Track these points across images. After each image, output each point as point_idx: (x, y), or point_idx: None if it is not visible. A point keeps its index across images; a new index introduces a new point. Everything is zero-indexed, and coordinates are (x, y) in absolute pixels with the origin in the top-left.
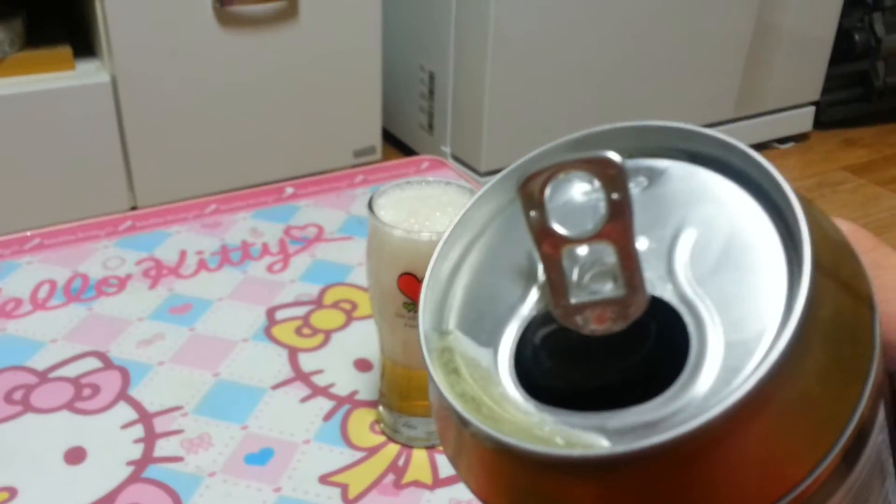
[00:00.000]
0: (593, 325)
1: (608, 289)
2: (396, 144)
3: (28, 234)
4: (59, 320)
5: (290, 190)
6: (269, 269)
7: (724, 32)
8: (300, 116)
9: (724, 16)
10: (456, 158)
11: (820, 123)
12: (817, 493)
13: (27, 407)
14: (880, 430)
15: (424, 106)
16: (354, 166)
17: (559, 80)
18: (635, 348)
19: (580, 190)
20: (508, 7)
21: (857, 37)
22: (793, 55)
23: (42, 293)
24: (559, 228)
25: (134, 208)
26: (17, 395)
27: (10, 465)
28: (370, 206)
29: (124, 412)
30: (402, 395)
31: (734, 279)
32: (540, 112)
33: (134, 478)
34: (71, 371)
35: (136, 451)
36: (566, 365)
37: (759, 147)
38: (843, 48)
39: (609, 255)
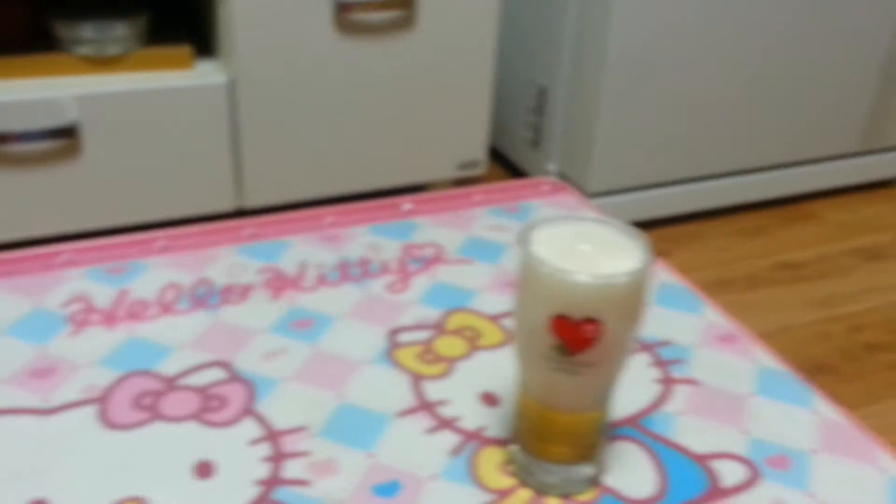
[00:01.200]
0: None
1: None
2: (498, 158)
3: (153, 234)
4: (185, 326)
5: (407, 206)
6: (390, 288)
7: (854, 62)
8: (408, 126)
9: (853, 45)
10: (562, 177)
11: None
12: None
13: (155, 414)
14: None
15: (531, 121)
16: (458, 179)
17: (675, 103)
18: None
19: None
20: (629, 26)
21: None
22: None
23: (168, 297)
24: None
25: (240, 210)
26: (146, 401)
27: (139, 472)
28: (523, 239)
29: (251, 428)
30: (541, 437)
31: None
32: (653, 136)
33: (263, 498)
34: (198, 380)
35: (265, 471)
36: None
37: (882, 185)
38: None
39: None
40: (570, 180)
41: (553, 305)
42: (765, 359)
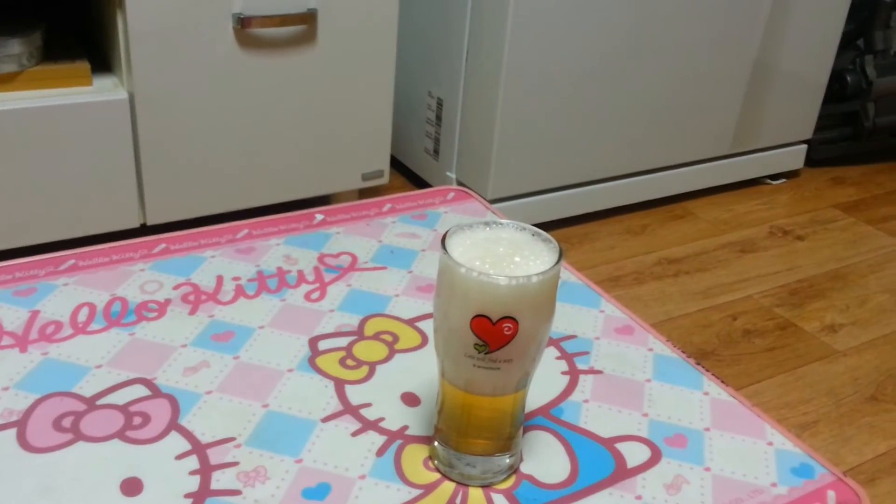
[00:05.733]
0: None
1: None
2: (399, 168)
3: (62, 254)
4: (101, 345)
5: (319, 217)
6: (307, 297)
7: (725, 71)
8: (312, 139)
9: (724, 55)
10: (462, 184)
11: (810, 161)
12: None
13: (77, 435)
14: None
15: (431, 132)
16: (362, 190)
17: (566, 112)
18: None
19: None
20: (522, 37)
21: (848, 78)
22: (788, 95)
23: (82, 316)
24: None
25: (144, 225)
26: (67, 423)
27: (65, 495)
28: (443, 244)
29: (177, 442)
30: (461, 432)
31: None
32: (546, 143)
33: None
34: (119, 398)
35: (193, 484)
36: None
37: (752, 183)
38: (835, 89)
39: None
40: (469, 187)
41: (474, 307)
42: (658, 346)
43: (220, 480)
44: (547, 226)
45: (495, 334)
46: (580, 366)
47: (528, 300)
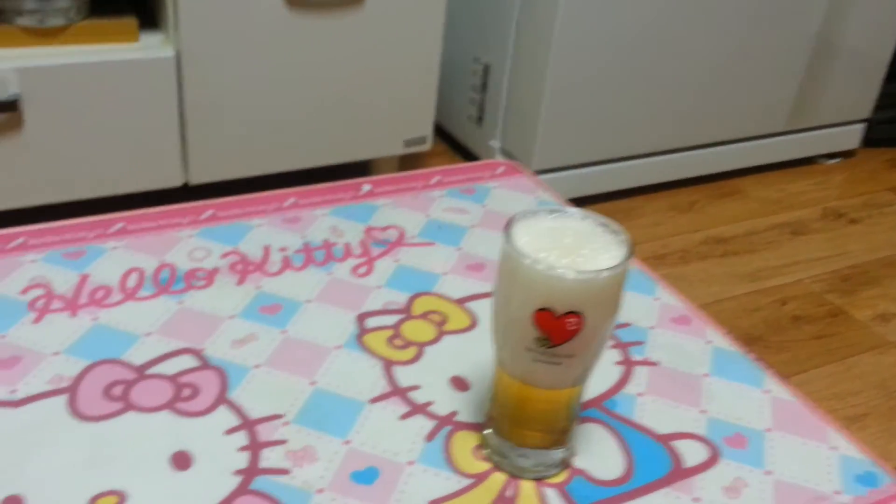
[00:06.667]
0: None
1: None
2: (441, 135)
3: (110, 217)
4: (151, 312)
5: (366, 187)
6: (354, 271)
7: (784, 44)
8: (355, 103)
9: (784, 27)
10: (505, 153)
11: (867, 141)
12: None
13: (127, 405)
14: None
15: (475, 99)
16: (403, 156)
17: (616, 82)
18: None
19: None
20: (575, 2)
21: None
22: (849, 71)
23: (131, 282)
24: None
25: (186, 185)
26: (117, 391)
27: (116, 466)
28: (507, 233)
29: (226, 417)
30: (515, 422)
31: None
32: (593, 114)
33: (242, 489)
34: (168, 368)
35: (242, 460)
36: None
37: (805, 162)
38: None
39: None
40: (512, 157)
41: (538, 299)
42: (717, 339)
43: (268, 458)
44: (591, 199)
45: (559, 329)
46: (634, 356)
47: (595, 296)
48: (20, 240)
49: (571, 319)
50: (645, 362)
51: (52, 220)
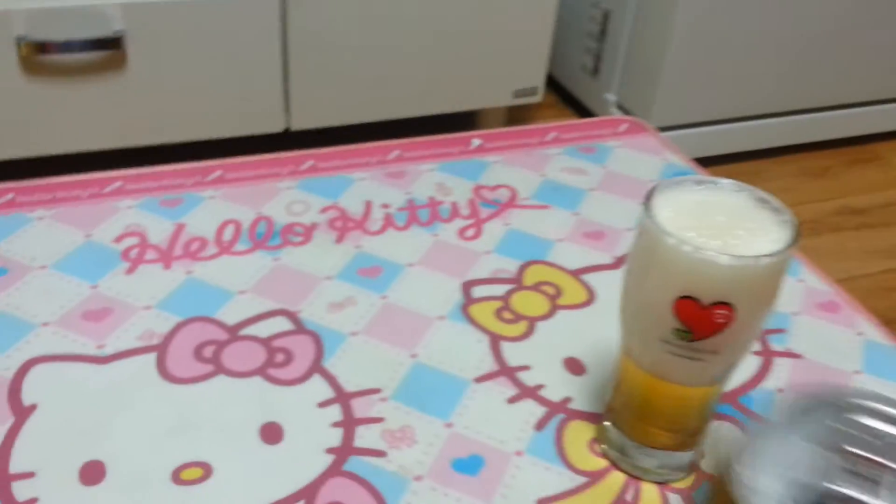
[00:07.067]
0: None
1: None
2: (551, 86)
3: (209, 164)
4: (246, 268)
5: (476, 142)
6: (461, 234)
7: None
8: (465, 49)
9: None
10: (620, 107)
11: None
12: None
13: (218, 367)
14: None
15: (591, 47)
16: (511, 107)
17: (746, 35)
18: None
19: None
20: None
21: None
22: None
23: (227, 235)
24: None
25: (287, 130)
26: (208, 352)
27: (202, 434)
28: (647, 206)
29: (320, 387)
30: (639, 416)
31: None
32: (720, 69)
33: (335, 469)
34: (261, 330)
35: (336, 437)
36: None
37: None
38: None
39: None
40: (628, 112)
41: (681, 285)
42: (870, 331)
43: (363, 437)
44: (713, 160)
45: (704, 321)
46: (774, 346)
47: (750, 285)
48: (117, 184)
49: (720, 311)
50: (787, 353)
51: (149, 164)
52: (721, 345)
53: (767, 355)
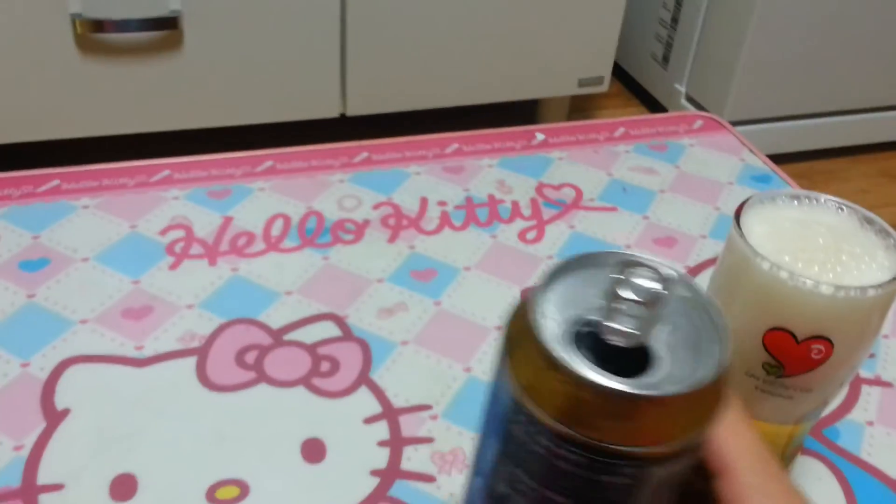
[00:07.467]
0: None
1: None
2: (617, 73)
3: (260, 153)
4: (293, 267)
5: (540, 136)
6: (522, 236)
7: None
8: (529, 36)
9: None
10: (690, 99)
11: None
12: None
13: (261, 375)
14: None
15: (662, 35)
16: (575, 97)
17: (831, 25)
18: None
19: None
20: None
21: None
22: None
23: (275, 230)
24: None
25: (343, 115)
26: (251, 358)
27: (241, 449)
28: (738, 222)
29: (366, 401)
30: None
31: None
32: (799, 62)
33: (380, 494)
34: (307, 335)
35: (382, 458)
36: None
37: None
38: None
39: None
40: (699, 104)
41: (773, 316)
42: None
43: (411, 459)
44: (787, 158)
45: (798, 356)
46: (863, 373)
47: (853, 320)
48: (165, 172)
49: (817, 346)
50: (876, 381)
51: (199, 149)
52: (814, 382)
53: (855, 383)
